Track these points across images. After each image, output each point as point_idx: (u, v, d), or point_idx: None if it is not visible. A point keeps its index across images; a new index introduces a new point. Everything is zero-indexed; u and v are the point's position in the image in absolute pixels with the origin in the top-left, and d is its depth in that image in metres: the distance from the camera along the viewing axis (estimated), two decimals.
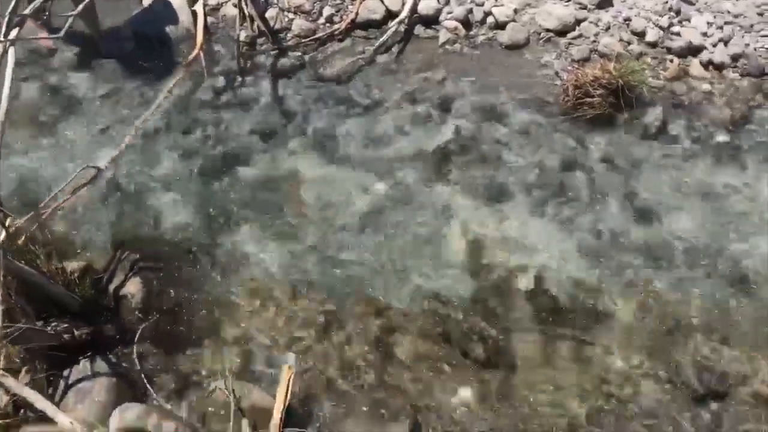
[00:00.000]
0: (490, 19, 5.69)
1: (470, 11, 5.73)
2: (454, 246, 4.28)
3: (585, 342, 3.79)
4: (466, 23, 5.69)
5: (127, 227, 4.12)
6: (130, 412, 3.02)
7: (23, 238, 3.56)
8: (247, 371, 3.46)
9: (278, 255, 4.13)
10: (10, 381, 2.83)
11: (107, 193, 4.32)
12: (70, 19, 3.40)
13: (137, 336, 3.45)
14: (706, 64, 5.38)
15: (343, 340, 3.68)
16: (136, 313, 3.58)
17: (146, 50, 5.42)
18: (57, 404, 3.09)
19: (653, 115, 5.00)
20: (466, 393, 3.52)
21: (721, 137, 4.92)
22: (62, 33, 3.38)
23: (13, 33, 3.21)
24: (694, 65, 5.35)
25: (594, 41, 5.50)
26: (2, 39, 3.19)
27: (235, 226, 4.28)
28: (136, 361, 3.33)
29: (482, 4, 5.74)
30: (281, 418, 3.05)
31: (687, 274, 4.14)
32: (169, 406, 3.15)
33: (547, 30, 5.63)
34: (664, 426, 3.46)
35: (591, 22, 5.56)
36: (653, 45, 5.45)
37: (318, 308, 3.84)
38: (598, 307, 3.95)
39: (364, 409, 3.34)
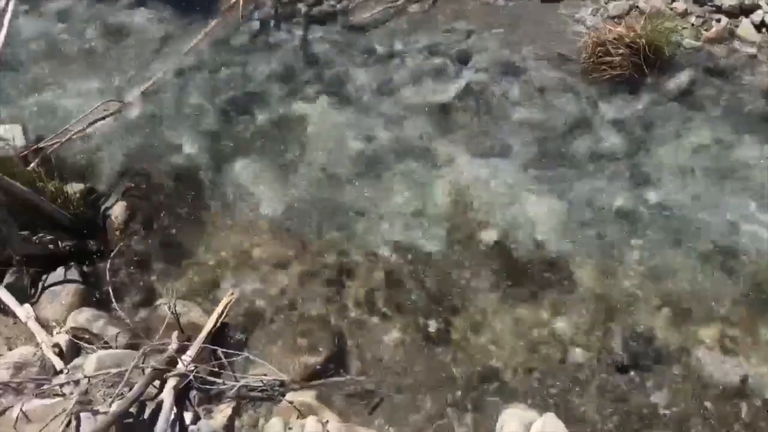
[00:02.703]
0: None
1: None
2: (438, 198, 4.33)
3: (534, 302, 3.78)
4: None
5: (138, 156, 4.53)
6: (82, 315, 3.46)
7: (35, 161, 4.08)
8: (201, 293, 3.80)
9: (268, 193, 4.38)
10: None
11: (129, 125, 4.76)
12: None
13: (113, 253, 3.89)
14: (759, 25, 4.95)
15: (297, 274, 3.92)
16: (117, 233, 4.01)
17: None
18: (34, 303, 3.60)
19: (680, 79, 4.71)
20: (397, 335, 3.67)
21: (754, 105, 4.56)
22: None
23: None
24: (744, 26, 4.95)
25: None
26: None
27: (237, 162, 4.56)
28: (107, 273, 3.78)
29: None
30: (208, 334, 3.37)
31: (663, 247, 3.96)
32: (122, 314, 3.57)
33: None
34: (577, 391, 3.44)
35: None
36: (701, 3, 5.08)
37: (287, 244, 4.08)
38: (559, 272, 3.90)
39: (290, 340, 3.59)
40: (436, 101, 4.88)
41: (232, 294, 3.57)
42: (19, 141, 4.31)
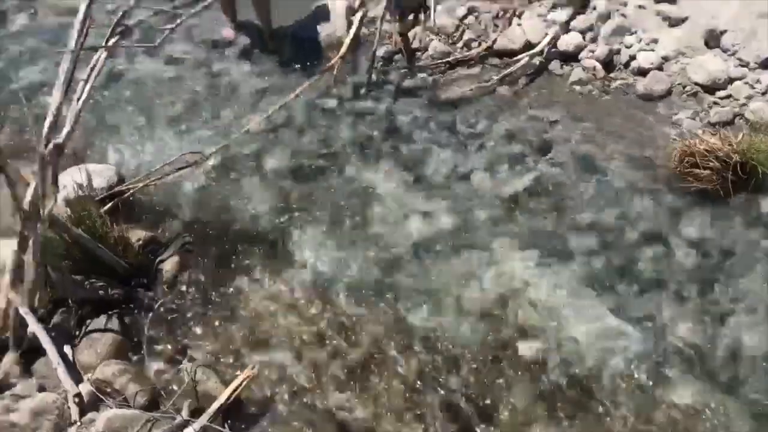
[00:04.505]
0: (634, 64, 5.28)
1: (616, 52, 5.37)
2: (486, 294, 4.19)
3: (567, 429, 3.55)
4: (607, 65, 5.35)
5: (204, 210, 4.69)
6: (109, 368, 3.59)
7: (108, 205, 4.34)
8: (225, 362, 3.86)
9: (320, 265, 4.39)
10: (29, 317, 3.58)
11: (206, 177, 4.95)
12: (166, 32, 4.01)
13: (156, 306, 4.05)
14: None
15: (326, 356, 3.89)
16: (164, 287, 4.17)
17: (298, 51, 5.97)
18: (74, 346, 3.81)
19: None
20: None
21: None
22: (157, 43, 4.01)
23: (112, 41, 3.89)
24: None
25: (743, 104, 4.84)
26: (102, 45, 3.89)
27: (298, 227, 4.62)
28: (146, 327, 3.93)
29: (630, 47, 5.33)
30: (218, 409, 3.41)
31: (722, 391, 3.60)
32: (149, 373, 3.70)
33: (696, 84, 5.07)
34: None
35: (746, 83, 4.89)
36: None
37: (324, 320, 4.07)
38: (599, 403, 3.64)
39: (303, 429, 3.56)
40: (507, 191, 4.74)
41: (253, 368, 3.59)
42: (103, 183, 4.57)
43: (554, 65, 5.43)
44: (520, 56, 5.42)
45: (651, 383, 3.69)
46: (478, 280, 4.25)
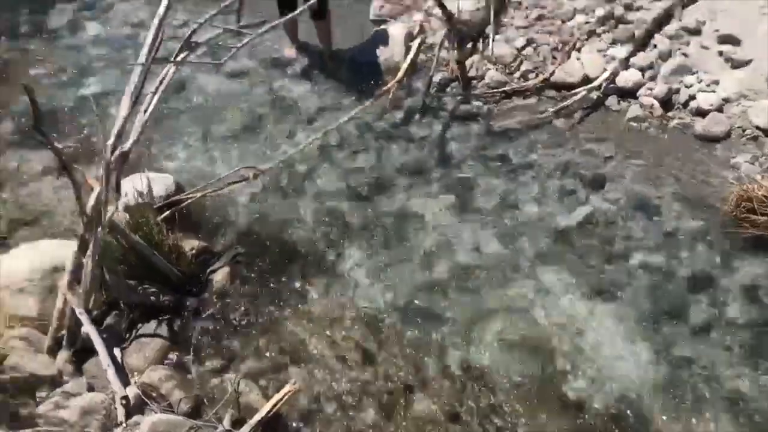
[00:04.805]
0: (693, 104, 5.23)
1: (675, 91, 5.32)
2: (529, 330, 4.17)
3: None
4: (665, 103, 5.31)
5: (257, 224, 4.79)
6: (156, 373, 3.64)
7: (165, 214, 4.47)
8: (269, 375, 3.91)
9: (367, 285, 4.44)
10: (84, 318, 3.70)
11: (260, 192, 5.06)
12: (233, 50, 4.13)
13: (205, 316, 4.14)
14: None
15: (367, 377, 3.92)
16: (215, 297, 4.26)
17: (356, 74, 6.08)
18: (124, 349, 3.92)
19: None
20: None
21: None
22: (223, 61, 4.14)
23: (181, 56, 4.03)
24: None
25: None
26: (171, 60, 4.04)
27: (346, 246, 4.68)
28: (194, 335, 4.02)
29: (690, 87, 5.29)
30: (258, 422, 3.46)
31: None
32: (194, 380, 3.78)
33: (756, 127, 4.99)
34: None
35: None
36: None
37: (369, 342, 4.10)
38: None
39: None
40: (557, 224, 4.73)
41: (295, 383, 3.64)
42: (161, 191, 4.70)
43: (611, 101, 5.41)
44: (577, 90, 5.42)
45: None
46: (522, 312, 4.24)
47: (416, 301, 4.37)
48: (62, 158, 3.52)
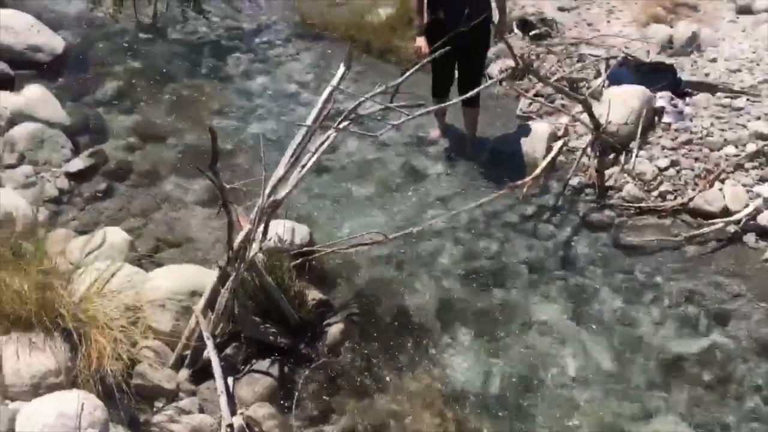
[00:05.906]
0: None
1: None
2: None
3: None
4: None
5: (376, 288, 5.02)
6: (261, 409, 3.79)
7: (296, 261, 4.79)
8: None
9: (468, 369, 4.53)
10: (209, 343, 4.01)
11: (383, 258, 5.30)
12: (388, 126, 4.45)
13: (313, 366, 4.35)
14: None
15: None
16: (326, 349, 4.48)
17: (494, 163, 6.29)
18: (237, 379, 4.19)
19: None
20: None
21: None
22: (378, 134, 4.48)
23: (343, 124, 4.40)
24: None
25: None
26: (334, 126, 4.41)
27: (457, 328, 4.76)
28: (300, 382, 4.24)
29: None
30: None
31: None
32: (294, 425, 3.97)
33: None
34: None
35: None
36: None
37: (458, 426, 4.18)
38: None
39: None
40: (672, 350, 4.65)
41: None
42: (297, 240, 5.04)
43: (749, 237, 5.32)
44: (715, 220, 5.36)
45: None
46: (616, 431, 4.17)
47: (513, 396, 4.39)
48: (225, 197, 3.90)
